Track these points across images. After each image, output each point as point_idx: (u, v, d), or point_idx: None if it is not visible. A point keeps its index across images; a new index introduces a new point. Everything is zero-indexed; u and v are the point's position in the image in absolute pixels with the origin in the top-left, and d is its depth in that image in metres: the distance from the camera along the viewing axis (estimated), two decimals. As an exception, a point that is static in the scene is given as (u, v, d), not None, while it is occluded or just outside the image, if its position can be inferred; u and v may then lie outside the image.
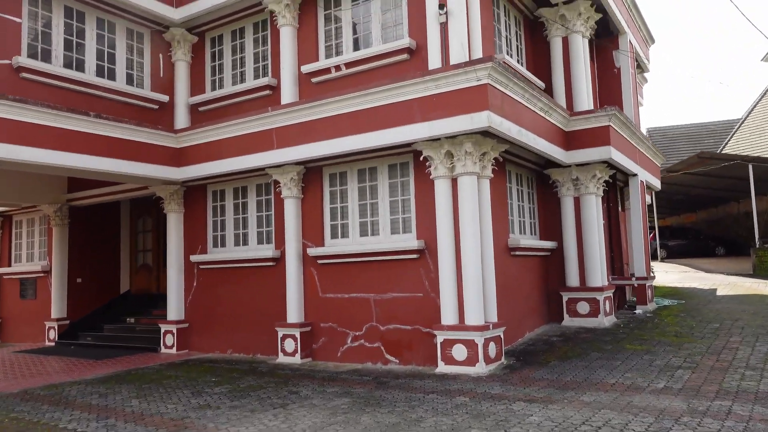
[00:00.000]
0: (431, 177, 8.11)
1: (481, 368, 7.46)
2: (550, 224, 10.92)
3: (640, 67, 14.71)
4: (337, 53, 9.63)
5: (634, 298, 12.54)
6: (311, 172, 9.55)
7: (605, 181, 10.78)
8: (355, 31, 9.54)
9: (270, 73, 10.36)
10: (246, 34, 10.84)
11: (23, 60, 9.07)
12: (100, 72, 10.35)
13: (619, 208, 13.13)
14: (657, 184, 14.36)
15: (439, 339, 7.81)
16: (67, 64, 9.87)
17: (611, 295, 10.71)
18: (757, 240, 19.11)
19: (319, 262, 9.32)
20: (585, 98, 10.56)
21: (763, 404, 5.50)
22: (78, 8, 10.11)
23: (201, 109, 11.09)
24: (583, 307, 10.28)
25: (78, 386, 8.09)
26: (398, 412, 5.90)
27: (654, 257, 26.15)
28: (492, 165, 8.19)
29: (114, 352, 11.13)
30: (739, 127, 30.25)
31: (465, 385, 6.92)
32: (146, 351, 11.12)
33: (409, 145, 8.32)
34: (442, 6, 8.15)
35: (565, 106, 10.38)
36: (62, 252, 13.37)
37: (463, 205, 7.82)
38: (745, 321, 10.09)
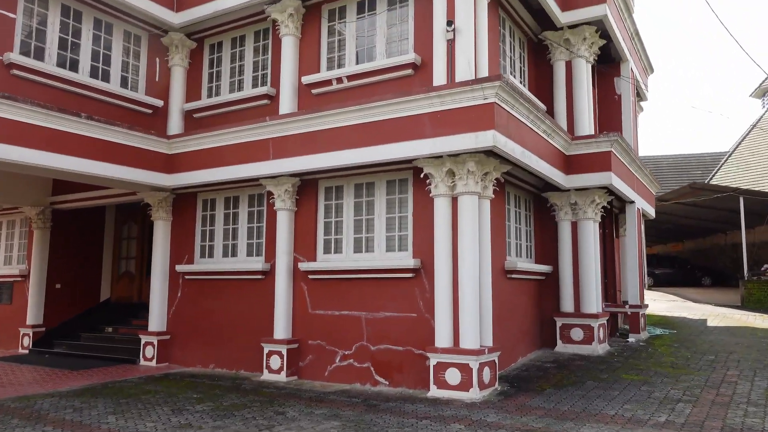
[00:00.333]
0: (431, 195, 7.92)
1: (474, 394, 7.21)
2: (545, 248, 10.76)
3: (639, 96, 14.74)
4: (339, 65, 9.47)
5: (627, 326, 12.38)
6: (306, 185, 9.32)
7: (602, 207, 10.67)
8: (358, 44, 9.40)
9: (269, 83, 10.16)
10: (246, 42, 10.65)
11: (15, 56, 8.79)
12: (94, 73, 10.09)
13: (614, 235, 13.03)
14: (652, 212, 14.31)
15: (432, 362, 7.55)
16: (61, 64, 9.60)
17: (605, 322, 10.54)
18: (746, 272, 19.14)
19: (310, 277, 9.05)
20: (586, 123, 10.50)
21: (771, 444, 5.31)
22: (75, 7, 9.87)
23: (196, 115, 10.84)
24: (577, 334, 10.09)
25: (51, 399, 7.70)
26: (392, 438, 5.63)
27: (641, 285, 26.12)
28: (493, 185, 8.03)
29: (91, 363, 10.70)
30: (726, 159, 30.60)
31: (459, 411, 6.66)
32: (125, 363, 10.70)
33: (409, 161, 8.14)
34: (450, 23, 8.03)
35: (566, 129, 10.28)
36: (42, 256, 12.94)
37: (462, 225, 7.62)
38: (740, 354, 9.95)
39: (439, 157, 7.70)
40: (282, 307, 9.05)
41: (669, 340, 11.58)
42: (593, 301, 10.13)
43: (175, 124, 10.86)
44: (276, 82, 9.93)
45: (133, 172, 9.55)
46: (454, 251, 7.68)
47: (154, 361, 10.33)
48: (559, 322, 10.24)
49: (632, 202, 11.89)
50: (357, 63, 9.29)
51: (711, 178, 30.79)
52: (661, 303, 19.67)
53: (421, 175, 8.03)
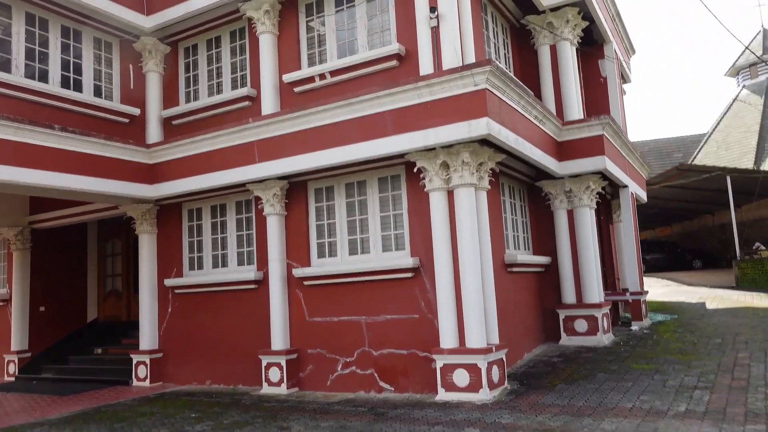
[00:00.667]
0: (426, 190, 7.62)
1: (485, 394, 6.92)
2: (542, 238, 10.51)
3: (623, 78, 14.58)
4: (321, 61, 9.13)
5: (628, 314, 12.18)
6: (295, 187, 8.97)
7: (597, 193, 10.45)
8: (339, 38, 9.07)
9: (249, 84, 9.80)
10: (222, 43, 10.28)
11: (-21, 70, 8.34)
12: (65, 83, 9.65)
13: (608, 221, 12.84)
14: (644, 196, 14.15)
15: (439, 364, 7.24)
16: (30, 75, 9.16)
17: (608, 311, 10.31)
18: (738, 252, 19.09)
19: (306, 283, 8.70)
20: (575, 107, 10.26)
21: (801, 427, 5.08)
22: (41, 15, 9.42)
23: (175, 122, 10.43)
24: (581, 325, 9.85)
25: (41, 428, 7.27)
26: (404, 448, 5.31)
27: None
28: (489, 176, 7.75)
29: (81, 387, 10.24)
30: (706, 141, 30.70)
31: (471, 414, 6.36)
32: (117, 384, 10.26)
33: (401, 156, 7.84)
34: (433, 9, 7.73)
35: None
36: (23, 279, 12.43)
37: (460, 219, 7.33)
38: (746, 335, 9.78)
39: (432, 149, 7.41)
40: (278, 317, 8.69)
41: (672, 326, 11.39)
42: (595, 290, 9.89)
43: (153, 132, 10.45)
44: (256, 83, 9.58)
45: (113, 185, 9.14)
46: (454, 247, 7.39)
47: (148, 380, 9.91)
48: (562, 314, 9.99)
49: (626, 186, 11.68)
50: (339, 57, 8.97)
51: (692, 160, 30.87)
52: (656, 289, 19.57)
53: (415, 170, 7.72)
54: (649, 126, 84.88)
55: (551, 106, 10.29)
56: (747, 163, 26.22)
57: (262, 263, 9.15)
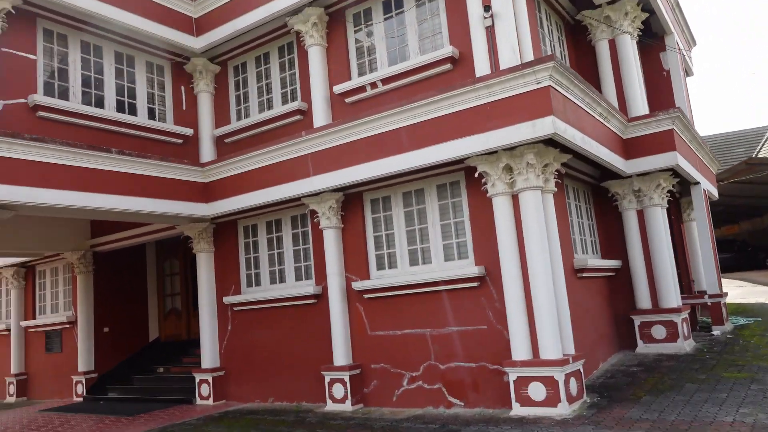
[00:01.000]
0: (488, 195, 7.27)
1: (564, 409, 6.47)
2: (610, 241, 9.96)
3: (686, 71, 13.84)
4: (371, 70, 8.95)
5: (707, 318, 11.41)
6: (351, 199, 8.77)
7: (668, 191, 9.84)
8: (389, 46, 8.87)
9: (299, 97, 9.71)
10: (271, 59, 10.24)
11: (39, 98, 8.52)
12: (120, 108, 9.79)
13: (678, 221, 12.12)
14: (715, 192, 13.31)
15: (512, 377, 6.85)
16: (87, 101, 9.32)
17: (687, 316, 9.64)
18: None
19: (366, 296, 8.46)
20: (639, 102, 9.71)
21: None
22: (95, 42, 9.60)
23: (227, 140, 10.45)
24: (659, 331, 9.23)
25: (109, 451, 7.25)
26: (485, 471, 4.95)
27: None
28: (555, 178, 7.34)
29: (146, 406, 10.29)
30: (770, 133, 29.01)
31: (551, 429, 5.94)
32: (181, 403, 10.25)
33: (460, 161, 7.52)
34: (487, 8, 7.44)
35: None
36: (87, 301, 12.69)
37: (527, 224, 6.95)
38: None
39: (493, 152, 7.07)
40: (339, 331, 8.47)
41: (758, 330, 10.58)
42: (672, 294, 9.26)
43: (207, 151, 10.50)
44: (306, 96, 9.47)
45: (171, 205, 9.17)
46: (521, 254, 7.00)
47: (211, 399, 9.86)
48: (637, 320, 9.39)
49: (697, 183, 10.98)
50: (390, 65, 8.76)
51: (757, 154, 29.23)
52: (730, 290, 18.43)
53: (475, 175, 7.38)
54: (708, 121, 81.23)
55: (613, 102, 9.78)
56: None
57: (321, 277, 8.97)
